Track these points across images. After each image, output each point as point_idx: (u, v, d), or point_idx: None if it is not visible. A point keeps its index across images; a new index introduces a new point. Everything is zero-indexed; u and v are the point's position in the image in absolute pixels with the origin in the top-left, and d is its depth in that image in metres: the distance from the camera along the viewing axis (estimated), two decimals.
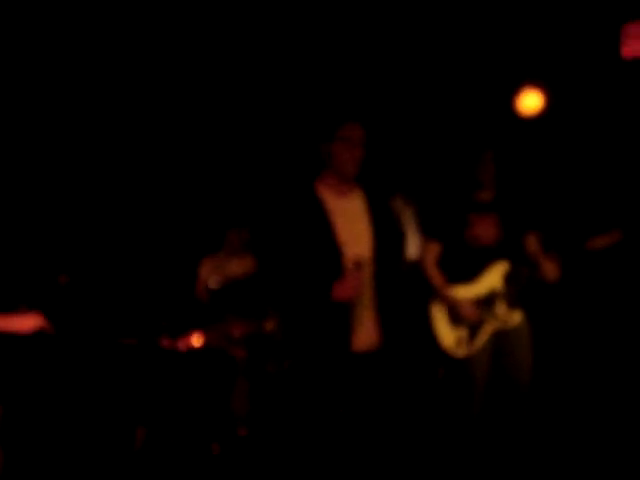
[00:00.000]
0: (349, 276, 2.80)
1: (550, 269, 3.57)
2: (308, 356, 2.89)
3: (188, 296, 5.12)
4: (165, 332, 4.45)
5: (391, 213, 3.12)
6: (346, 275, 2.82)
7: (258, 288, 4.33)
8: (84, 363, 3.76)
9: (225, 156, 6.00)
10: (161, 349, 4.34)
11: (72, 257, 5.34)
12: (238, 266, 5.17)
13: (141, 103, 5.59)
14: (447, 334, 3.66)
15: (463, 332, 3.63)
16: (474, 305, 3.63)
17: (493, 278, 3.66)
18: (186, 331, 4.55)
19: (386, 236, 2.98)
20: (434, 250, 3.74)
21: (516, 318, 3.67)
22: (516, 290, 3.64)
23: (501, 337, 3.66)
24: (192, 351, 4.37)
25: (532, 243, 3.79)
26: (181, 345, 4.41)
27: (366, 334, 2.89)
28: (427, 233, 3.81)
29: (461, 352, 3.63)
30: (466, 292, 3.67)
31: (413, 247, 3.96)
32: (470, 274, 3.68)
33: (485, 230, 3.65)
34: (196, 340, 4.44)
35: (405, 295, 3.36)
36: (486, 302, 3.64)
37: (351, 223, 2.94)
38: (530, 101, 5.56)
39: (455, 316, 3.65)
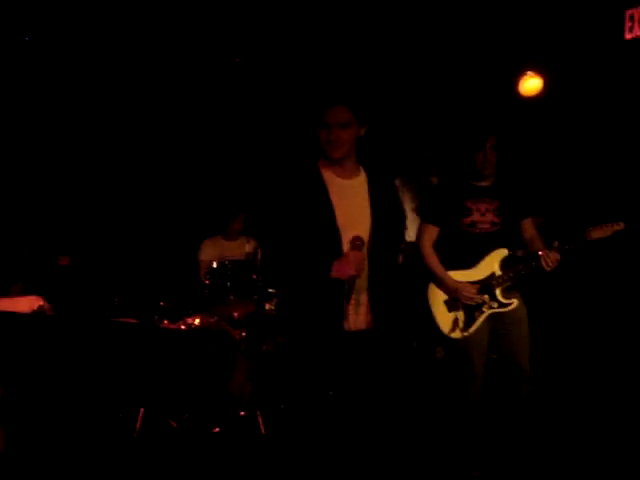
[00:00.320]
0: (349, 254, 2.82)
1: (549, 257, 3.56)
2: (301, 333, 2.91)
3: (188, 277, 5.15)
4: (165, 313, 4.47)
5: (393, 196, 3.12)
6: (346, 253, 2.83)
7: (258, 269, 4.35)
8: (84, 343, 3.78)
9: (226, 139, 6.01)
10: (161, 329, 4.37)
11: (73, 238, 5.35)
12: (237, 248, 5.19)
13: (139, 87, 5.59)
14: (444, 316, 3.67)
15: (460, 315, 3.64)
16: (473, 286, 3.64)
17: (491, 264, 3.66)
18: (186, 312, 4.58)
19: (385, 219, 2.98)
20: (431, 232, 3.74)
21: (514, 303, 3.67)
22: (514, 277, 3.64)
23: (498, 319, 3.67)
24: (192, 331, 4.40)
25: (528, 229, 3.79)
26: (181, 326, 4.44)
27: (359, 313, 2.91)
28: (424, 217, 3.81)
29: (457, 335, 3.64)
30: (464, 278, 3.66)
31: (412, 229, 3.95)
32: (468, 260, 3.67)
33: (482, 217, 3.65)
34: (196, 321, 4.47)
35: (404, 277, 3.38)
36: (484, 288, 3.65)
37: (351, 204, 2.94)
38: (531, 85, 5.55)
39: (452, 298, 3.66)
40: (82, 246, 5.33)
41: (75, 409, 3.73)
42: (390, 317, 3.02)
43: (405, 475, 3.64)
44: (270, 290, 4.39)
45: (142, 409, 4.02)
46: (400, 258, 4.10)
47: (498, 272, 3.65)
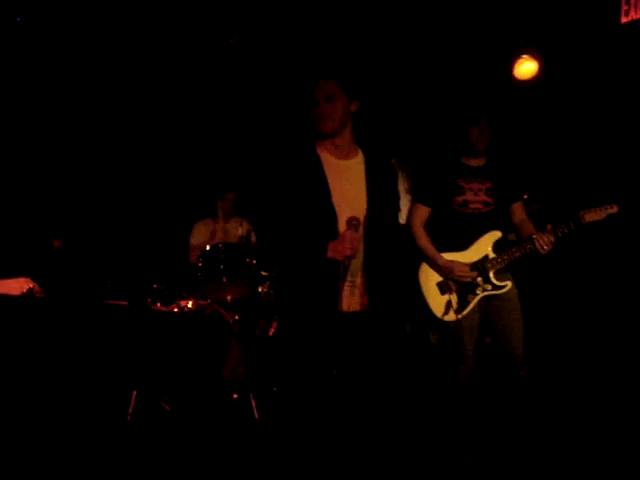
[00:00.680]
0: (345, 235, 2.81)
1: (542, 239, 3.54)
2: (296, 313, 2.90)
3: (181, 260, 5.13)
4: (158, 295, 4.46)
5: (391, 178, 3.10)
6: (342, 234, 2.82)
7: (251, 252, 4.33)
8: (75, 325, 3.76)
9: (216, 120, 5.99)
10: (154, 312, 4.36)
11: (64, 221, 5.33)
12: (229, 230, 5.17)
13: (129, 70, 5.55)
14: (436, 299, 3.65)
15: (453, 298, 3.63)
16: (466, 264, 3.62)
17: (485, 246, 3.64)
18: (179, 295, 4.57)
19: (382, 200, 2.97)
20: (422, 213, 3.71)
21: (507, 286, 3.65)
22: (508, 259, 3.62)
23: (490, 302, 3.66)
24: (185, 314, 4.39)
25: (519, 212, 3.77)
26: (174, 308, 4.43)
27: (355, 294, 2.90)
28: (415, 197, 3.78)
29: (451, 317, 3.62)
30: (457, 260, 3.63)
31: (405, 211, 3.92)
32: (461, 241, 3.65)
33: (475, 196, 3.63)
34: (189, 303, 4.45)
35: (399, 258, 3.36)
36: (477, 270, 3.62)
37: (347, 185, 2.93)
38: (527, 68, 5.53)
39: (445, 281, 3.64)
40: (74, 228, 5.31)
41: (67, 392, 3.72)
42: (385, 299, 3.01)
43: (398, 458, 3.65)
44: (263, 273, 4.38)
45: (135, 392, 4.02)
46: None
47: (492, 254, 3.64)
